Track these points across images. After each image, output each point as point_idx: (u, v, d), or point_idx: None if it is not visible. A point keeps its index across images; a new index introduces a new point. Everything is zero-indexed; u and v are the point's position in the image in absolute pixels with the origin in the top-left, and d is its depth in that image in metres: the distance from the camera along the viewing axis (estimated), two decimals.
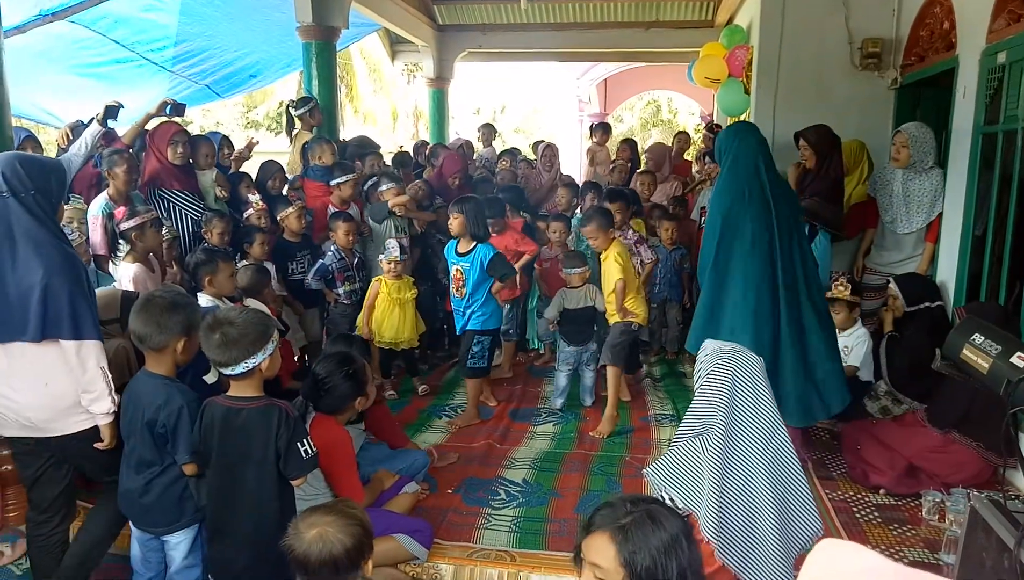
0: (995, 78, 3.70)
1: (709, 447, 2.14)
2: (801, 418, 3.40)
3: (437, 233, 5.55)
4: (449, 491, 3.54)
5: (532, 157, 7.42)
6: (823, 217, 4.42)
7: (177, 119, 4.74)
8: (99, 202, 4.02)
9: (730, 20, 7.65)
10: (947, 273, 4.20)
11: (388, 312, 4.65)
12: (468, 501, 3.44)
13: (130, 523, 2.61)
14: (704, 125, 11.38)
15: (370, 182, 5.49)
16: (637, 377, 5.22)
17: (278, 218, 4.74)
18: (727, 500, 2.10)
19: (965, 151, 4.00)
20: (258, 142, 5.87)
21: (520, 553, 3.00)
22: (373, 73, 17.16)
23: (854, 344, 4.11)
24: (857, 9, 5.10)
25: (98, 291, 2.95)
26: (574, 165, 13.40)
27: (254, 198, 4.69)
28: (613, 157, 7.53)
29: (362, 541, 1.84)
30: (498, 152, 7.70)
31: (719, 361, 2.22)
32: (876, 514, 3.31)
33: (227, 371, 2.30)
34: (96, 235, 3.92)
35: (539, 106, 19.85)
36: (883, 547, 3.02)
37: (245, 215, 4.68)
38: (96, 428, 2.53)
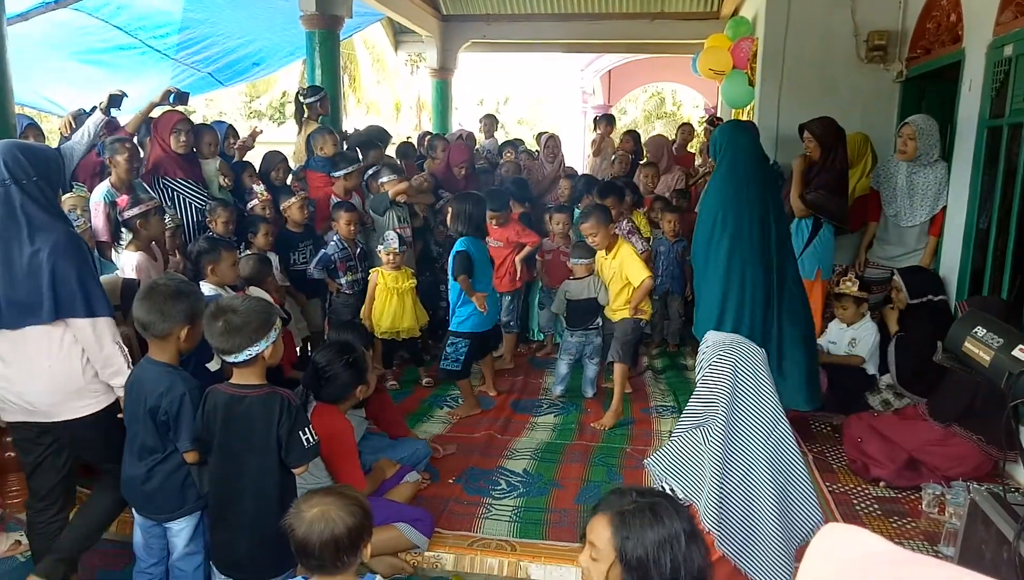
0: (1001, 71, 3.68)
1: (710, 438, 2.15)
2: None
3: (437, 245, 5.59)
4: (450, 481, 3.56)
5: (535, 148, 7.40)
6: (828, 210, 4.40)
7: (180, 108, 4.74)
8: (101, 189, 4.02)
9: (735, 12, 7.62)
10: (950, 267, 4.20)
11: (387, 302, 4.65)
12: (469, 491, 3.46)
13: (132, 510, 2.62)
14: (706, 118, 11.36)
15: (370, 172, 5.48)
16: (638, 369, 5.22)
17: (281, 208, 4.75)
18: (727, 491, 2.11)
19: (970, 144, 3.99)
20: (261, 132, 5.86)
21: (520, 543, 3.02)
22: (377, 63, 17.11)
23: (862, 336, 4.12)
24: (863, 1, 5.07)
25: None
26: (577, 157, 13.38)
27: (258, 188, 4.69)
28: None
29: (363, 522, 1.82)
30: (500, 143, 7.69)
31: (721, 352, 2.23)
32: (876, 506, 3.32)
33: (230, 359, 2.30)
34: (98, 221, 3.93)
35: (543, 97, 19.81)
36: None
37: (249, 205, 4.68)
38: (100, 413, 2.54)
